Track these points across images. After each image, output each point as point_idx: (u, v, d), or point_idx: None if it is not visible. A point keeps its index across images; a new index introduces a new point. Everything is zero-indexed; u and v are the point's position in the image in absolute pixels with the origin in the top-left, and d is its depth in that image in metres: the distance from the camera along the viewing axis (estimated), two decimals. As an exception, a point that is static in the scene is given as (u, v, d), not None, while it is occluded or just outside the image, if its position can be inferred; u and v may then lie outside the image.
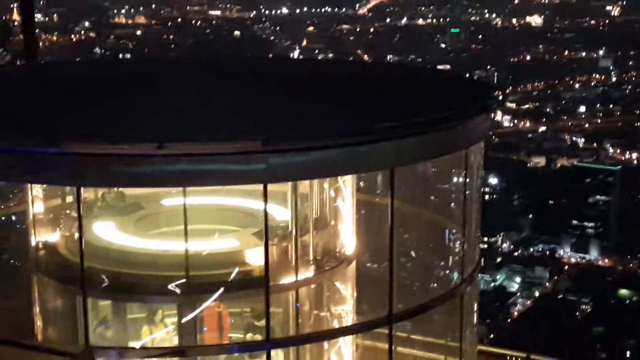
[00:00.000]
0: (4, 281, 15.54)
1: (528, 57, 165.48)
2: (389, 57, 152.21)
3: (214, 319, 13.68)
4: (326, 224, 13.34)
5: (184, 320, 11.81)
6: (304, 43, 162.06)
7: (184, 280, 11.43)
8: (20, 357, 10.59)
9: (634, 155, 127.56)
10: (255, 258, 11.83)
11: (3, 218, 15.75)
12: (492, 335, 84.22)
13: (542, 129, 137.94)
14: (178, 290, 11.46)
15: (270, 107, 12.49)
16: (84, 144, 10.33)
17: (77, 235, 11.29)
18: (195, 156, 10.33)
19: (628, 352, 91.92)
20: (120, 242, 12.52)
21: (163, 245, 12.20)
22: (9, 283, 15.43)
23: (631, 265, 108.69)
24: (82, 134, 10.73)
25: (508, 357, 19.11)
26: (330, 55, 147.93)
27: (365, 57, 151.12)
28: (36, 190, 12.94)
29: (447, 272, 15.65)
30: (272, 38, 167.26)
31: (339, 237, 13.39)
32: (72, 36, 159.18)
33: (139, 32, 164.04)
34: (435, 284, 16.00)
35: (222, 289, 11.47)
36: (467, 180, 13.82)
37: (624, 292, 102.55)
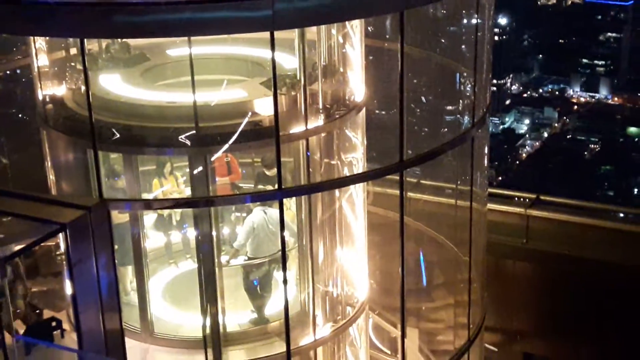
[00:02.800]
0: (14, 136, 15.61)
1: None
2: None
3: (225, 169, 13.80)
4: (335, 71, 13.16)
5: (195, 172, 11.85)
6: None
7: (193, 131, 11.39)
8: (36, 210, 10.68)
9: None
10: (264, 108, 11.75)
11: (8, 72, 15.60)
12: (500, 178, 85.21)
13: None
14: (188, 142, 11.44)
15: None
16: (86, -6, 10.06)
17: (83, 88, 11.17)
18: (200, 3, 10.06)
19: (635, 190, 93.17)
20: (127, 94, 12.38)
21: (171, 97, 12.09)
22: (18, 138, 15.51)
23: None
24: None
25: (517, 198, 19.30)
26: None
27: None
28: (39, 43, 12.68)
29: (458, 116, 15.60)
30: None
31: (348, 84, 13.25)
32: None
33: None
34: (446, 129, 16.02)
35: (233, 139, 11.38)
36: (478, 21, 13.53)
37: (632, 130, 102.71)
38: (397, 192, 12.61)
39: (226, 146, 11.50)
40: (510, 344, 18.83)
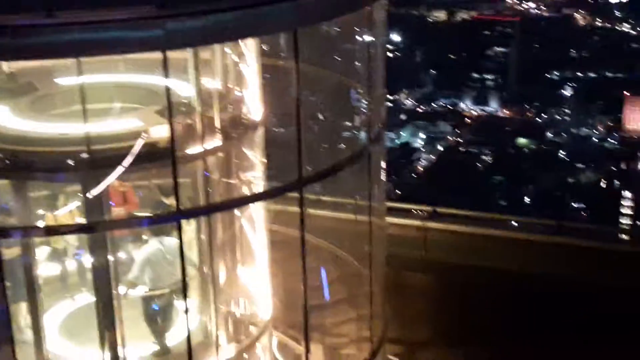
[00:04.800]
0: None
1: None
2: None
3: (120, 199, 13.47)
4: (231, 91, 13.08)
5: (89, 196, 11.52)
6: None
7: (85, 155, 11.07)
8: None
9: (531, 4, 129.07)
10: (160, 134, 11.53)
11: None
12: (399, 192, 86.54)
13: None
14: (80, 166, 11.10)
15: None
16: (-34, 16, 9.66)
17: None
18: (88, 24, 9.81)
19: (526, 198, 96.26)
20: (16, 125, 11.96)
21: (62, 127, 11.71)
22: None
23: (529, 114, 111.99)
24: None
25: (415, 212, 19.62)
26: None
27: None
28: None
29: (354, 132, 15.75)
30: None
31: (244, 104, 13.19)
32: None
33: None
34: (344, 145, 16.14)
35: (127, 160, 11.11)
36: (372, 38, 13.70)
37: (522, 140, 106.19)
38: (298, 209, 12.60)
39: (120, 168, 11.22)
40: (413, 355, 19.05)
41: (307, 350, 13.46)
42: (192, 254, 12.87)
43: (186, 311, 11.60)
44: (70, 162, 11.09)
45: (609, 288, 17.09)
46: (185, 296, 11.55)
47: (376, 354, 14.70)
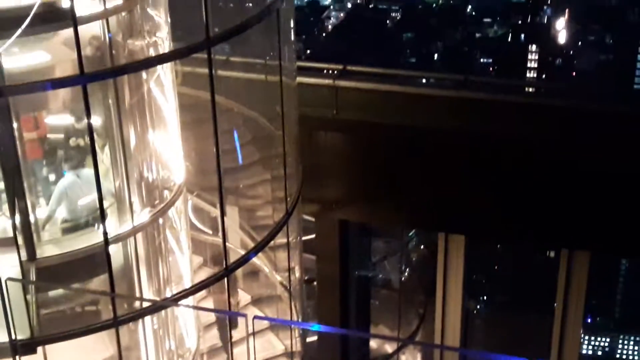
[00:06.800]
0: None
1: None
2: None
3: (31, 124, 12.75)
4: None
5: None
6: None
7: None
8: None
9: None
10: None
11: None
12: (308, 51, 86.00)
13: None
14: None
15: None
16: None
17: None
18: None
19: (435, 55, 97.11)
20: None
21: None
22: None
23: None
24: None
25: (325, 70, 19.56)
26: None
27: None
28: None
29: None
30: None
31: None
32: None
33: None
34: (251, 4, 15.79)
35: (28, 20, 10.57)
36: None
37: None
38: (206, 70, 12.41)
39: (20, 30, 10.72)
40: (327, 213, 19.51)
41: (222, 213, 13.62)
42: (109, 184, 12.61)
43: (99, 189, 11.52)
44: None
45: (517, 143, 17.65)
46: (96, 168, 11.40)
47: (291, 214, 14.98)
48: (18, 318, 11.55)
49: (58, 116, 12.81)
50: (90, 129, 11.41)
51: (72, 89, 11.68)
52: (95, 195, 11.74)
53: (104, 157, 12.76)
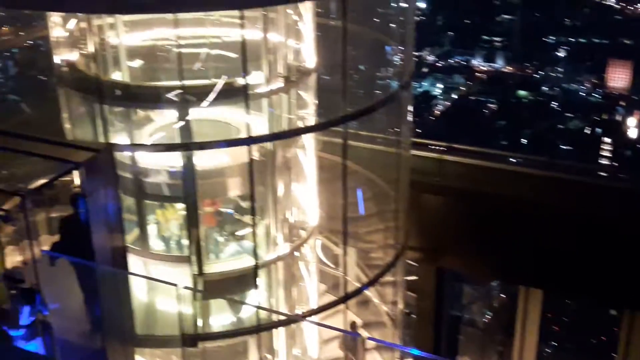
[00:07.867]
0: (36, 94, 15.29)
1: None
2: None
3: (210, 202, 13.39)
4: (292, 43, 13.23)
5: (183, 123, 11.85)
6: None
7: (181, 90, 11.40)
8: (56, 152, 10.62)
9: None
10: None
11: (31, 42, 15.21)
12: (420, 130, 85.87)
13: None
14: (176, 98, 11.45)
15: None
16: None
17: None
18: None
19: (523, 140, 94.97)
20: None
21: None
22: (40, 96, 15.20)
23: (528, 70, 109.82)
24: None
25: (432, 146, 19.66)
26: None
27: None
28: (55, 17, 12.40)
29: (387, 81, 15.81)
30: None
31: (301, 54, 13.34)
32: None
33: None
34: (379, 91, 16.22)
35: (216, 91, 11.31)
36: (405, 5, 13.70)
37: (521, 92, 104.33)
38: (341, 140, 12.84)
39: (206, 103, 11.54)
40: (427, 260, 19.39)
41: (345, 252, 13.89)
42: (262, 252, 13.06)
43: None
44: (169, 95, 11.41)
45: (589, 216, 17.16)
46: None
47: (398, 258, 15.07)
48: (187, 318, 12.09)
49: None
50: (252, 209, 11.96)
51: (241, 179, 12.23)
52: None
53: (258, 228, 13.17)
